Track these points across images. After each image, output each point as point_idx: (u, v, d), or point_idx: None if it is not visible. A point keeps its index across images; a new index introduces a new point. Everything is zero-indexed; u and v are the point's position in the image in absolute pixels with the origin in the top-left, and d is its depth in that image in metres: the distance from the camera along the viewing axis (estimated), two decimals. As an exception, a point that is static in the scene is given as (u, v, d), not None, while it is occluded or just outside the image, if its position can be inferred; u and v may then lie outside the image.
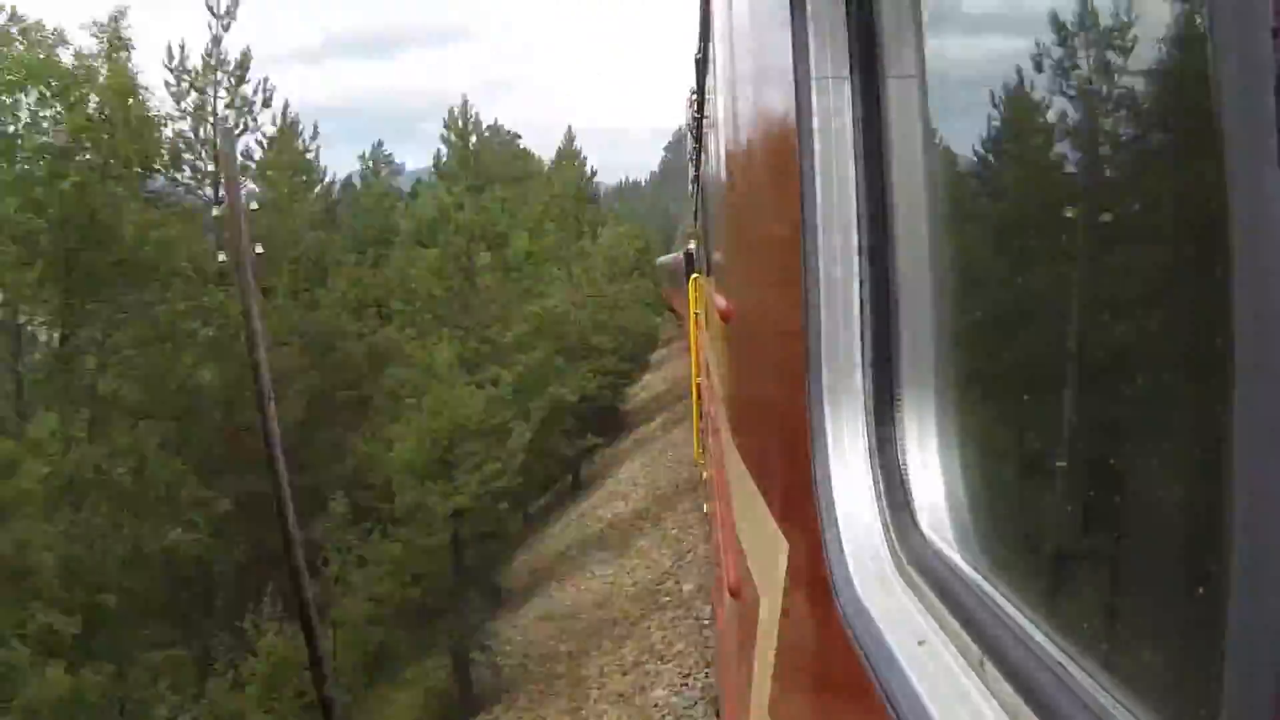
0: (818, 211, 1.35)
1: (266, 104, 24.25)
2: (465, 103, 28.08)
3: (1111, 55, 0.80)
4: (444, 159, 27.94)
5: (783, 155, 1.62)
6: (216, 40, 23.09)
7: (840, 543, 1.28)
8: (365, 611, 19.75)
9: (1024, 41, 1.04)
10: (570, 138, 45.47)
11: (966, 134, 1.24)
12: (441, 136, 27.83)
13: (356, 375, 24.79)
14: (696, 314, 10.02)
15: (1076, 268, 0.93)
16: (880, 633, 1.10)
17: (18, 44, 21.98)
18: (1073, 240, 0.92)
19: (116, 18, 21.95)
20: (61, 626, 16.34)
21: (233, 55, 23.43)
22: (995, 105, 1.11)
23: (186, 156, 23.19)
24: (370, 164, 35.00)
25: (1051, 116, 0.96)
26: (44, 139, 21.08)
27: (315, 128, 27.75)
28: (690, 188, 12.76)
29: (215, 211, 17.49)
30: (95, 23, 21.94)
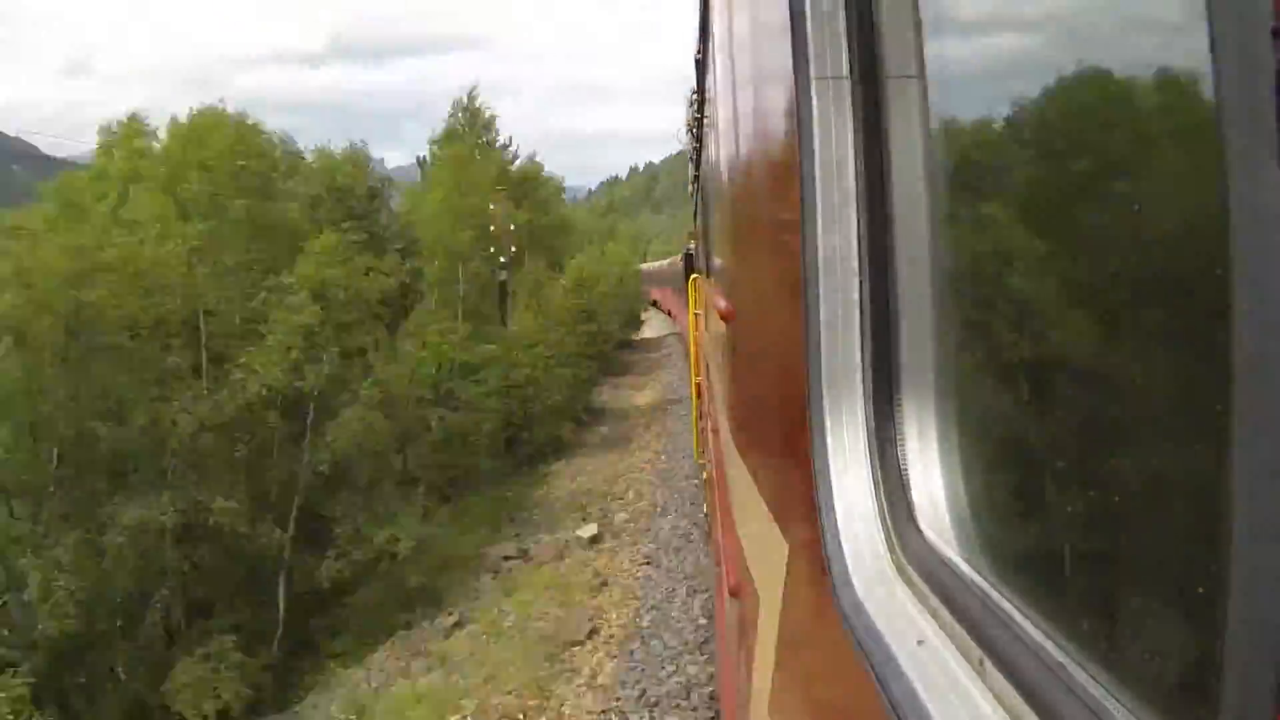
0: (818, 212, 1.35)
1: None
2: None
3: (1111, 55, 0.80)
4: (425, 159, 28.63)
5: (783, 155, 1.62)
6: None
7: (840, 543, 1.28)
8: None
9: (1024, 41, 1.04)
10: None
11: (966, 134, 1.24)
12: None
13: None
14: (696, 314, 10.02)
15: (1076, 268, 0.93)
16: (880, 633, 1.10)
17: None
18: (1073, 240, 0.92)
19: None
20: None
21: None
22: (995, 105, 1.11)
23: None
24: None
25: (1051, 117, 0.96)
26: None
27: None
28: (690, 188, 12.76)
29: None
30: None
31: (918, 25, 1.28)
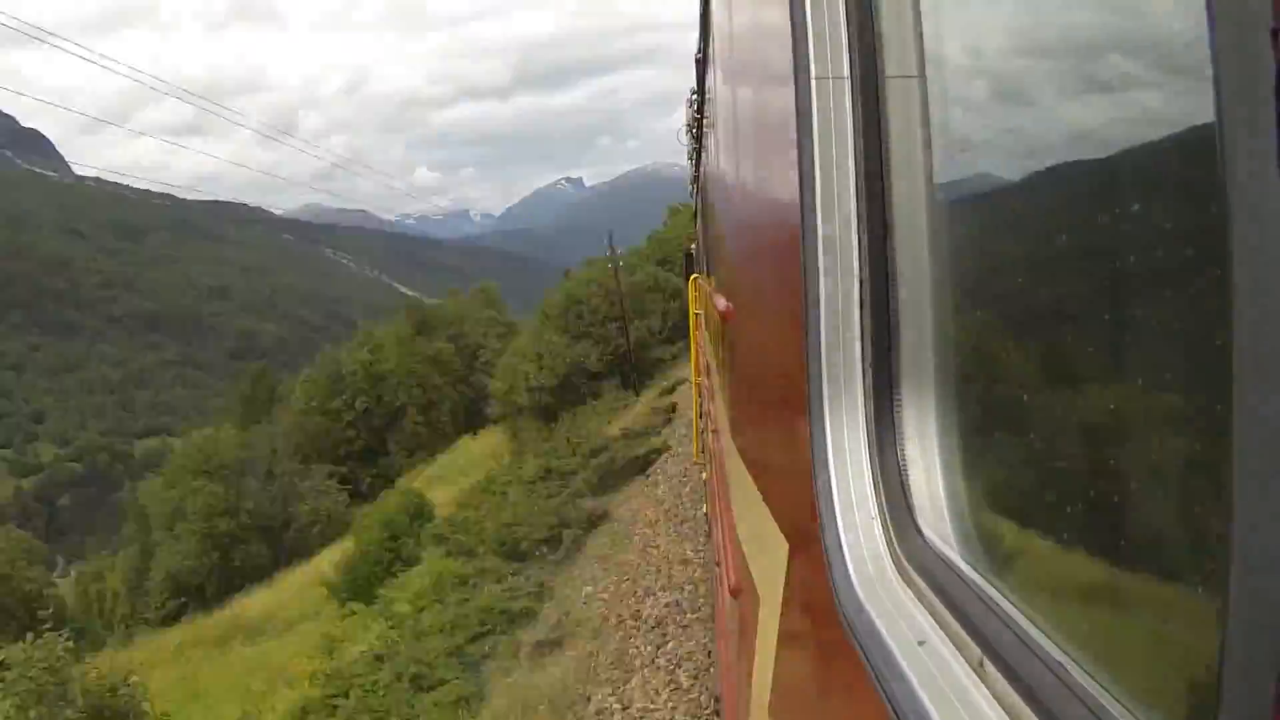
0: (817, 212, 1.35)
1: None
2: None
3: (1111, 55, 0.80)
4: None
5: (782, 155, 1.62)
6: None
7: (840, 543, 1.28)
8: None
9: (1024, 42, 1.04)
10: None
11: (966, 134, 1.24)
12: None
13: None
14: (696, 314, 10.02)
15: (1076, 268, 0.93)
16: (880, 633, 1.10)
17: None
18: (1072, 240, 0.92)
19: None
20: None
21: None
22: (995, 105, 1.11)
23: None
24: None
25: (1051, 116, 0.96)
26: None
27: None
28: (690, 188, 12.76)
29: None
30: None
31: (918, 25, 1.28)
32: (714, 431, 6.36)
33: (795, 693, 1.89)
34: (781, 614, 1.96)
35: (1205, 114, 0.55)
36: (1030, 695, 0.83)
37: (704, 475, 10.46)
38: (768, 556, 2.14)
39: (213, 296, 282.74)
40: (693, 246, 15.30)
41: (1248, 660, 0.52)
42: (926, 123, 1.28)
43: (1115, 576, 0.87)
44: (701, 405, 10.36)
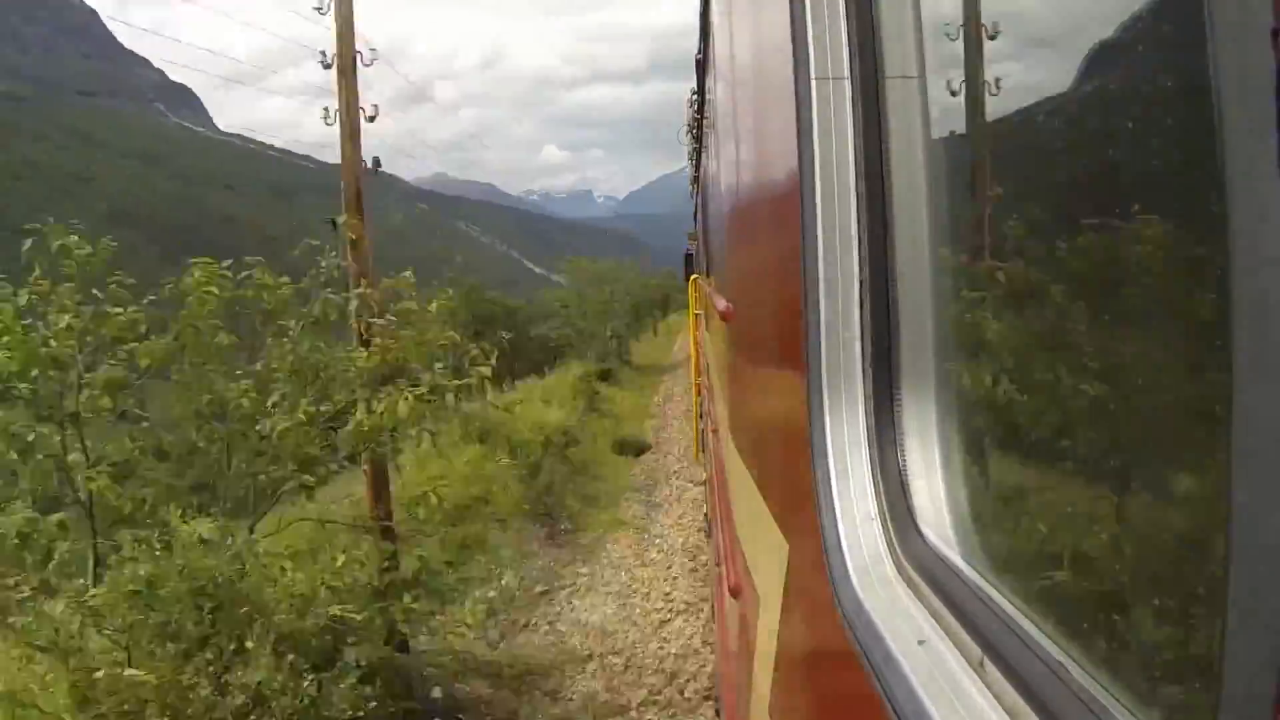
0: (817, 212, 1.35)
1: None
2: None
3: (1111, 55, 0.80)
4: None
5: (782, 156, 1.62)
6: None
7: (840, 543, 1.28)
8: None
9: (1024, 41, 1.04)
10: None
11: (966, 134, 1.24)
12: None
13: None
14: (697, 314, 10.03)
15: (1076, 268, 0.93)
16: (880, 633, 1.10)
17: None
18: (1072, 241, 0.92)
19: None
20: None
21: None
22: (995, 105, 1.11)
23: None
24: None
25: (1051, 116, 0.96)
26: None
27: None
28: (690, 188, 12.76)
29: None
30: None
31: (918, 25, 1.28)
32: (714, 431, 6.36)
33: (795, 693, 1.89)
34: (781, 614, 1.96)
35: (1205, 114, 0.55)
36: (1030, 695, 0.83)
37: (704, 475, 10.46)
38: (768, 556, 2.14)
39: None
40: (693, 246, 15.30)
41: (1248, 660, 0.52)
42: (926, 123, 1.28)
43: (1115, 576, 0.87)
44: (702, 405, 10.36)
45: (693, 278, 10.52)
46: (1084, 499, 0.92)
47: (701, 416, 10.47)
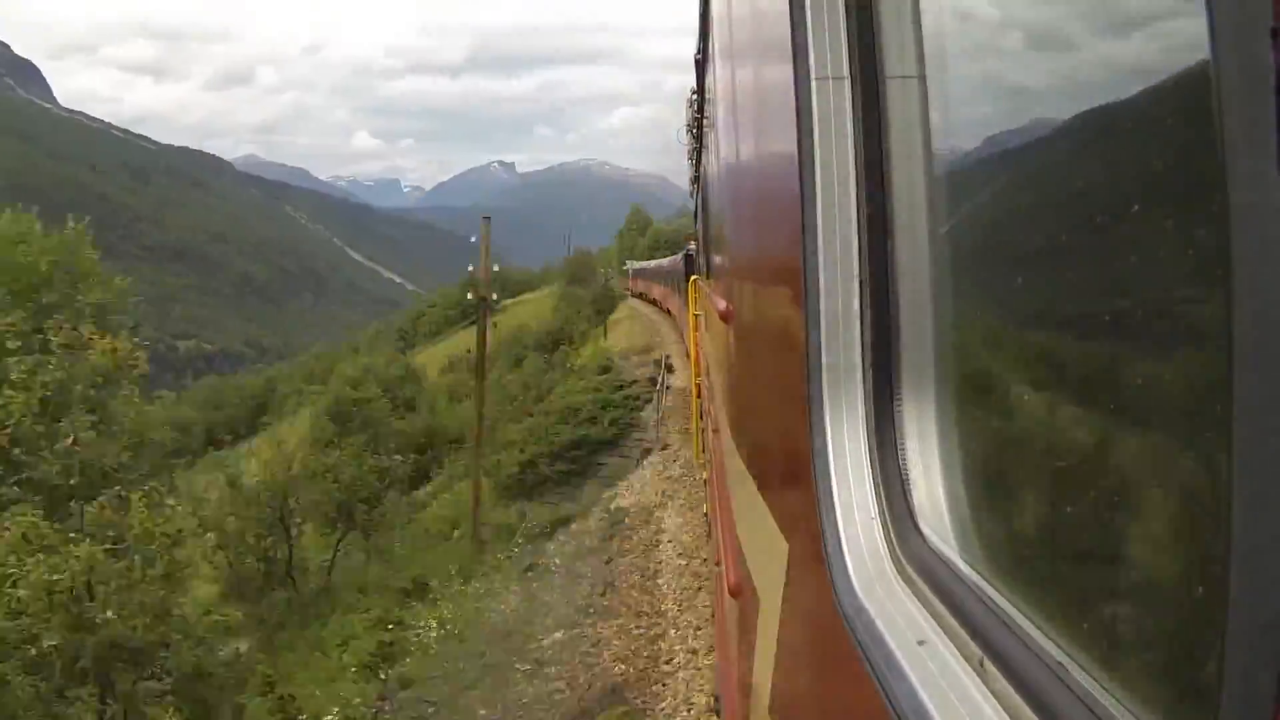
0: (818, 212, 1.35)
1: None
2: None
3: (1111, 55, 0.80)
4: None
5: (782, 155, 1.62)
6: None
7: (840, 543, 1.28)
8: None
9: (1024, 41, 1.04)
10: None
11: (966, 134, 1.24)
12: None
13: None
14: (696, 315, 10.02)
15: (1076, 268, 0.93)
16: (880, 633, 1.10)
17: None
18: (1072, 240, 0.92)
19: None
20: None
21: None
22: (995, 105, 1.11)
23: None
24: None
25: (1051, 116, 0.96)
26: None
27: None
28: (690, 188, 12.75)
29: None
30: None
31: (918, 25, 1.28)
32: (714, 431, 6.36)
33: (795, 692, 1.89)
34: (781, 614, 1.96)
35: (1205, 114, 0.55)
36: (1030, 695, 0.83)
37: (704, 475, 10.46)
38: (768, 556, 2.14)
39: (214, 239, 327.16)
40: (693, 247, 15.29)
41: (1248, 660, 0.52)
42: (926, 123, 1.28)
43: (1115, 577, 0.87)
44: (701, 405, 10.36)
45: (693, 278, 10.51)
46: (1084, 499, 0.92)
47: (701, 416, 10.46)
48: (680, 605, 14.31)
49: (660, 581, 15.79)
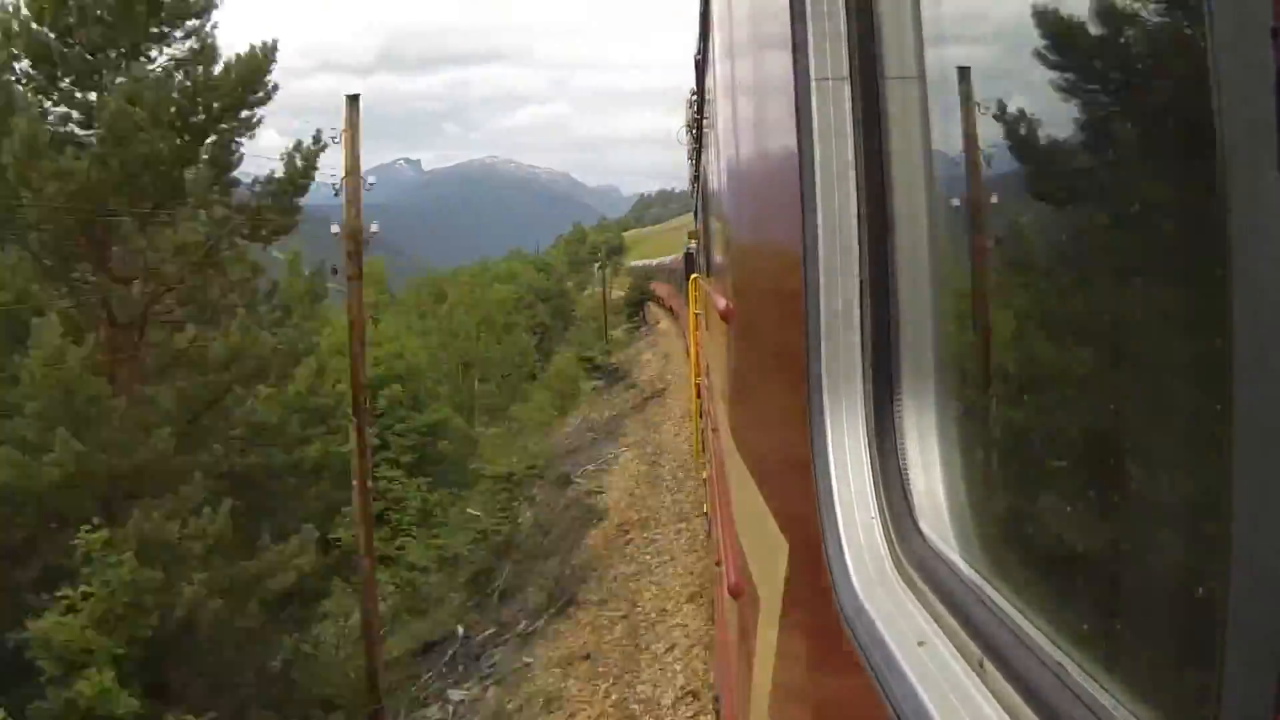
0: (818, 212, 1.35)
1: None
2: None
3: (1111, 55, 0.80)
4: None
5: (782, 156, 1.62)
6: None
7: (840, 543, 1.28)
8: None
9: (1024, 42, 1.04)
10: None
11: (966, 134, 1.24)
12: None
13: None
14: (697, 314, 10.03)
15: (1076, 268, 0.93)
16: (880, 633, 1.10)
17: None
18: (1072, 240, 0.92)
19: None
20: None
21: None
22: (995, 106, 1.11)
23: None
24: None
25: (1051, 117, 0.96)
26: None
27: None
28: (690, 188, 12.76)
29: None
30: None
31: (918, 25, 1.28)
32: (714, 431, 6.36)
33: (795, 692, 1.89)
34: (781, 614, 1.96)
35: (1205, 114, 0.54)
36: (1030, 695, 0.83)
37: (704, 475, 10.46)
38: (768, 556, 2.14)
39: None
40: (693, 246, 15.30)
41: (1248, 660, 0.52)
42: (926, 123, 1.28)
43: (1115, 576, 0.87)
44: (701, 405, 10.36)
45: (693, 277, 10.52)
46: (1084, 499, 0.92)
47: (701, 416, 10.47)
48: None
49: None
